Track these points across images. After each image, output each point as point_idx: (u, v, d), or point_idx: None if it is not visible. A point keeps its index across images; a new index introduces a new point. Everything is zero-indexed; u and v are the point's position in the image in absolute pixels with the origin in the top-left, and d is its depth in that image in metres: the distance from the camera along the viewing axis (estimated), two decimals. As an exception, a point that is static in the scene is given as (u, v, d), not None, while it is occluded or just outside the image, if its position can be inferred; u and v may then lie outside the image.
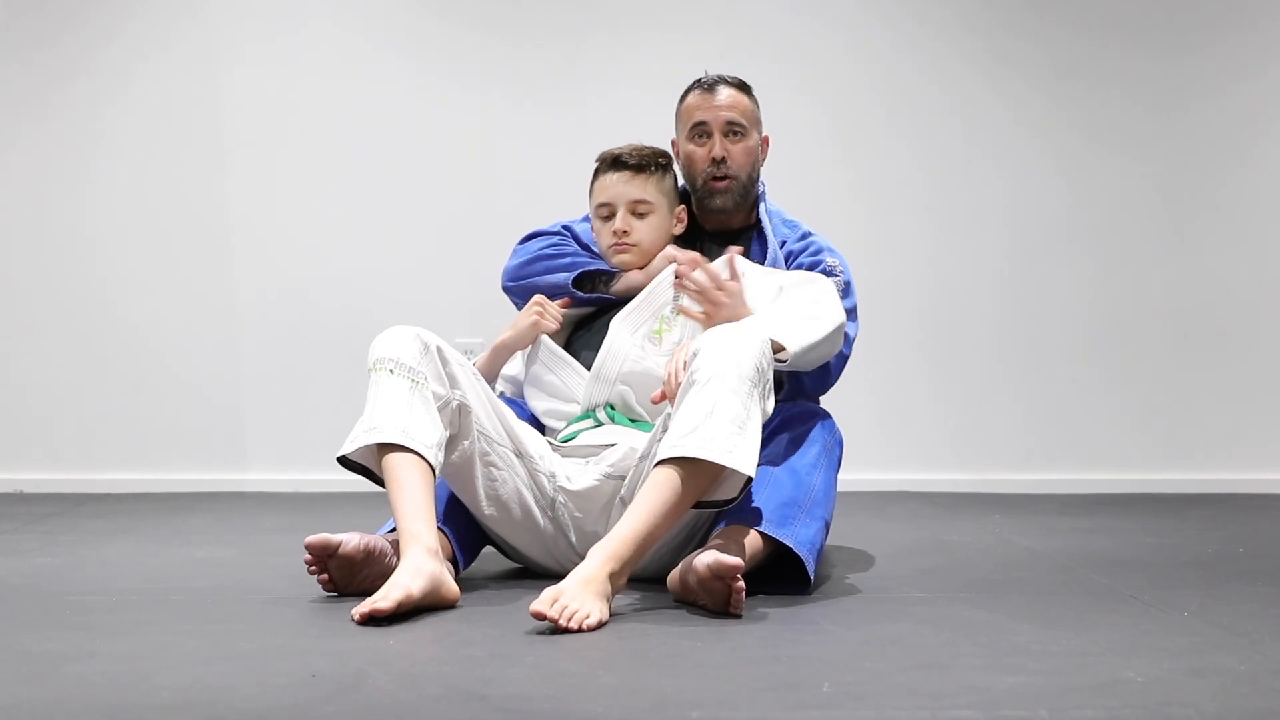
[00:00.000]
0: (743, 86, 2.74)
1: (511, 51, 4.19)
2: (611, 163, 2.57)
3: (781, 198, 2.85)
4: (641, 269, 2.58)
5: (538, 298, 2.57)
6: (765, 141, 2.77)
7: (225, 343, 4.15)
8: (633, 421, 2.42)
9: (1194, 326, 4.24)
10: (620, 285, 2.59)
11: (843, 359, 2.61)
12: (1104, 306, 4.24)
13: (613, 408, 2.44)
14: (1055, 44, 4.25)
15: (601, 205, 2.58)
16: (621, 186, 2.55)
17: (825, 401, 2.77)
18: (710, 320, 2.42)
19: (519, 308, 2.67)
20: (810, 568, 2.22)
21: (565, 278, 2.59)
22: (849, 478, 3.93)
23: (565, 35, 4.20)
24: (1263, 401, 4.24)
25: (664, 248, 2.59)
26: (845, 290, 2.64)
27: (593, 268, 2.60)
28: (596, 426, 2.43)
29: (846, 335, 2.57)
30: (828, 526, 2.34)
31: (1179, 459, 4.20)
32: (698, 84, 2.76)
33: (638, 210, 2.56)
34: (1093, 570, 2.55)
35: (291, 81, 4.18)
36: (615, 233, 2.55)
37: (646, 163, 2.56)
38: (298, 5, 4.22)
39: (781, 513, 2.23)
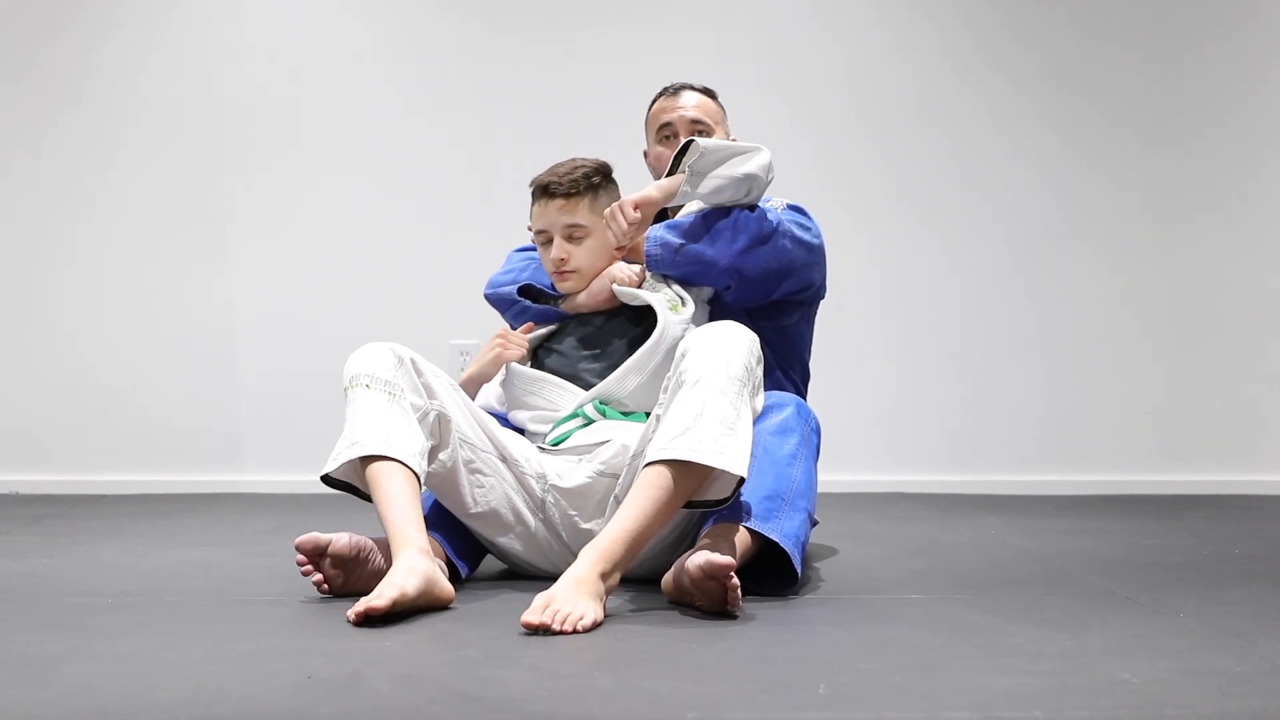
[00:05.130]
0: (707, 91, 2.83)
1: (509, 53, 4.19)
2: (541, 190, 2.54)
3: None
4: (585, 290, 2.56)
5: (500, 329, 2.58)
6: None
7: (219, 343, 4.14)
8: (624, 414, 2.41)
9: (1189, 327, 4.25)
10: (568, 305, 2.60)
11: (779, 248, 2.55)
12: (1099, 307, 4.24)
13: (602, 403, 2.44)
14: (1052, 42, 4.26)
15: (539, 233, 2.57)
16: (553, 214, 2.52)
17: (815, 399, 2.76)
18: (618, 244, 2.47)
19: (501, 315, 2.69)
20: (796, 561, 2.22)
21: (512, 289, 2.61)
22: (844, 479, 3.96)
23: (561, 35, 4.20)
24: (1258, 403, 4.25)
25: (607, 265, 2.55)
26: (803, 212, 2.66)
27: (536, 284, 2.61)
28: (586, 424, 2.42)
29: (794, 235, 2.57)
30: (811, 517, 2.34)
31: (1175, 460, 4.20)
32: (663, 91, 2.85)
33: (573, 236, 2.52)
34: (1088, 571, 2.55)
35: (288, 85, 4.18)
36: (554, 260, 2.54)
37: (575, 187, 2.51)
38: (295, 6, 4.22)
39: (764, 506, 2.23)
